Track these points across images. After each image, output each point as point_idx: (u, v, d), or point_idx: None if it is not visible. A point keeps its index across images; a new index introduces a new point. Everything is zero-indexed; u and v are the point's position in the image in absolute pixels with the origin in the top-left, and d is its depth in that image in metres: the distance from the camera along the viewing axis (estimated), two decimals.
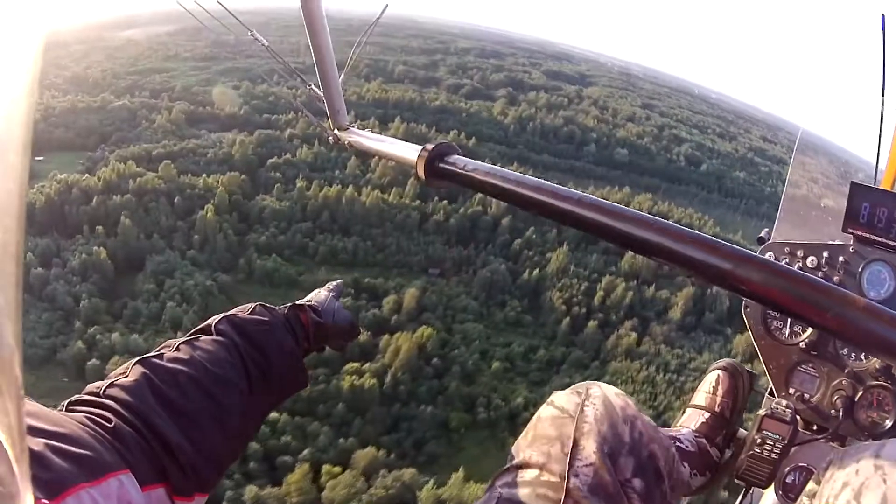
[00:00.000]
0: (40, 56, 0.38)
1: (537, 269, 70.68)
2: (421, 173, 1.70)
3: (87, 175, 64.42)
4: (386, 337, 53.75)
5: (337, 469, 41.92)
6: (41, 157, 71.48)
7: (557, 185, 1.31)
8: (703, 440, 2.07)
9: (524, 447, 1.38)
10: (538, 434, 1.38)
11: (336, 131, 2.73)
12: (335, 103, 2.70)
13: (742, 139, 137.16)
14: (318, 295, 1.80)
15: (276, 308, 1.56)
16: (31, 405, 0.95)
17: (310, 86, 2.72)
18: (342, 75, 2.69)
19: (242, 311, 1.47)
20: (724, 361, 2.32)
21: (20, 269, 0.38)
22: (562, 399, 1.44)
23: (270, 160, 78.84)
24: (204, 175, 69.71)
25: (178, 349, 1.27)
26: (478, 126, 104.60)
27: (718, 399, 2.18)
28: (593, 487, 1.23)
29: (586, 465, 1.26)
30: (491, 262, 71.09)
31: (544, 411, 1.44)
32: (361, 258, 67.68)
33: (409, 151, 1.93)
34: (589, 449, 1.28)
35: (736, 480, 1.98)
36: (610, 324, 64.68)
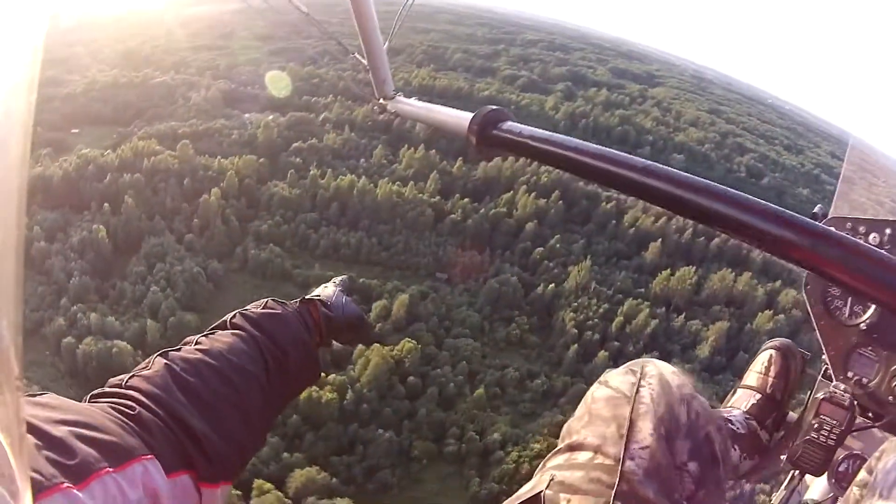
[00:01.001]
0: (40, 55, 0.38)
1: (553, 284, 64.18)
2: (473, 140, 1.55)
3: (108, 151, 65.84)
4: (360, 347, 50.26)
5: (268, 486, 39.40)
6: (76, 130, 74.43)
7: (621, 153, 1.23)
8: (754, 422, 2.02)
9: (578, 428, 1.32)
10: (593, 415, 1.31)
11: (381, 100, 2.77)
12: (380, 72, 2.74)
13: (810, 153, 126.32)
14: (326, 290, 1.82)
15: (287, 303, 1.60)
16: (52, 398, 0.98)
17: (354, 54, 2.79)
18: (387, 44, 2.75)
19: (255, 306, 1.51)
20: (777, 341, 2.23)
21: (20, 267, 0.37)
22: (616, 379, 1.37)
23: (295, 144, 77.24)
24: (219, 157, 69.18)
25: (197, 343, 1.32)
26: (525, 119, 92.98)
27: (770, 380, 2.13)
28: (649, 471, 1.18)
29: (642, 448, 1.20)
30: (505, 271, 65.42)
31: (598, 391, 1.36)
32: (364, 255, 64.47)
33: (459, 118, 1.80)
34: (645, 431, 1.23)
35: (788, 466, 1.91)
36: (625, 355, 56.97)
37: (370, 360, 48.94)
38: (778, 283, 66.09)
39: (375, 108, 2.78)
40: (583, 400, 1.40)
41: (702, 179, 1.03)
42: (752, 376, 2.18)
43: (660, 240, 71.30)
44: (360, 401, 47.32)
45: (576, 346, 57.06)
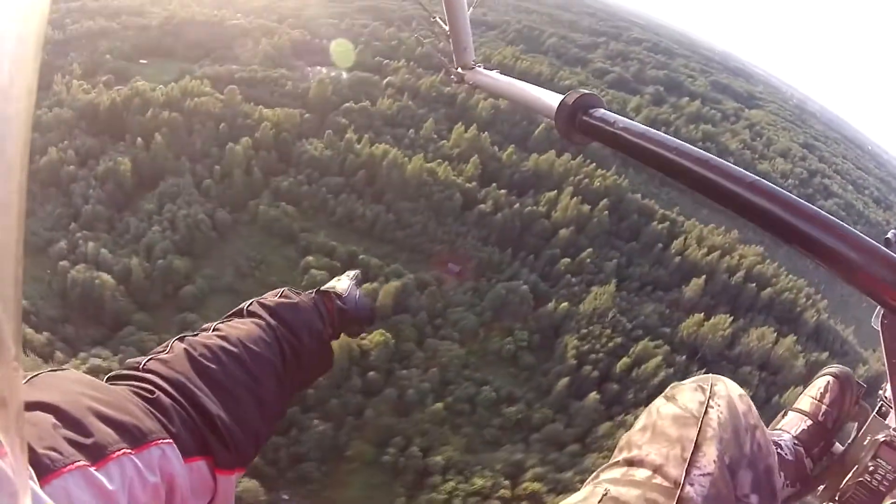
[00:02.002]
0: (39, 56, 0.38)
1: (568, 302, 56.95)
2: (560, 125, 1.57)
3: (159, 87, 67.33)
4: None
5: None
6: (144, 62, 77.18)
7: (729, 164, 1.20)
8: (802, 449, 1.96)
9: (640, 443, 1.27)
10: (657, 431, 1.27)
11: (460, 69, 2.66)
12: (461, 40, 2.62)
13: None
14: (340, 283, 1.91)
15: (303, 293, 1.68)
16: (73, 373, 0.99)
17: (435, 17, 2.68)
18: (470, 10, 2.63)
19: (272, 295, 1.56)
20: (836, 367, 2.16)
21: (20, 268, 0.38)
22: (685, 396, 1.32)
23: (346, 105, 74.57)
24: (261, 107, 68.28)
25: (216, 329, 1.34)
26: None
27: (823, 407, 2.05)
28: (708, 499, 1.13)
29: (704, 475, 1.15)
30: (520, 277, 59.13)
31: (665, 407, 1.32)
32: (378, 231, 61.02)
33: (546, 98, 1.75)
34: (710, 456, 1.18)
35: (836, 501, 1.83)
36: (621, 403, 49.53)
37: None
38: (826, 354, 54.02)
39: (453, 77, 2.68)
40: (646, 411, 1.35)
41: (807, 204, 0.97)
42: (806, 401, 2.08)
43: (704, 276, 60.80)
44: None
45: (568, 379, 50.23)
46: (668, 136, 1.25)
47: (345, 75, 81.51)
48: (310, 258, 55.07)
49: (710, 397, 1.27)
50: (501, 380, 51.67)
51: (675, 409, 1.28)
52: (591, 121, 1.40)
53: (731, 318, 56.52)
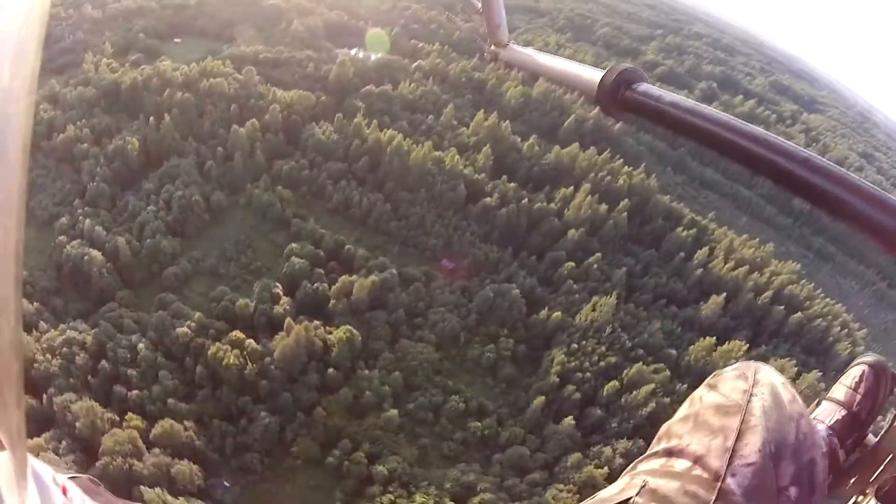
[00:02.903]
0: (39, 56, 0.39)
1: (564, 311, 51.61)
2: (601, 99, 1.53)
3: (183, 66, 68.38)
4: (288, 321, 45.75)
5: (136, 422, 38.58)
6: (178, 40, 78.98)
7: (779, 138, 1.18)
8: (835, 439, 1.94)
9: (680, 433, 1.25)
10: (699, 421, 1.25)
11: (493, 47, 2.66)
12: (495, 16, 2.60)
13: None
14: None
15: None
16: (90, 482, 0.96)
17: None
18: None
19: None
20: (871, 356, 2.11)
21: (20, 268, 0.38)
22: (727, 385, 1.30)
23: (366, 88, 72.14)
24: (274, 89, 67.42)
25: None
26: None
27: (858, 398, 2.01)
28: (749, 491, 1.11)
29: (746, 465, 1.14)
30: (516, 279, 54.39)
31: (707, 396, 1.30)
32: (373, 220, 58.47)
33: (586, 73, 1.71)
34: (753, 446, 1.16)
35: (868, 494, 1.82)
36: (602, 431, 44.14)
37: (287, 341, 44.35)
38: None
39: (486, 55, 2.67)
40: (688, 400, 1.32)
41: (867, 184, 0.96)
42: (840, 390, 2.04)
43: (725, 294, 52.85)
44: (263, 375, 43.53)
45: (545, 398, 45.32)
46: (717, 111, 1.22)
47: (373, 57, 79.10)
48: (294, 245, 53.70)
49: (753, 385, 1.24)
50: (475, 390, 47.79)
51: (717, 397, 1.25)
52: (634, 95, 1.37)
53: (748, 344, 48.83)
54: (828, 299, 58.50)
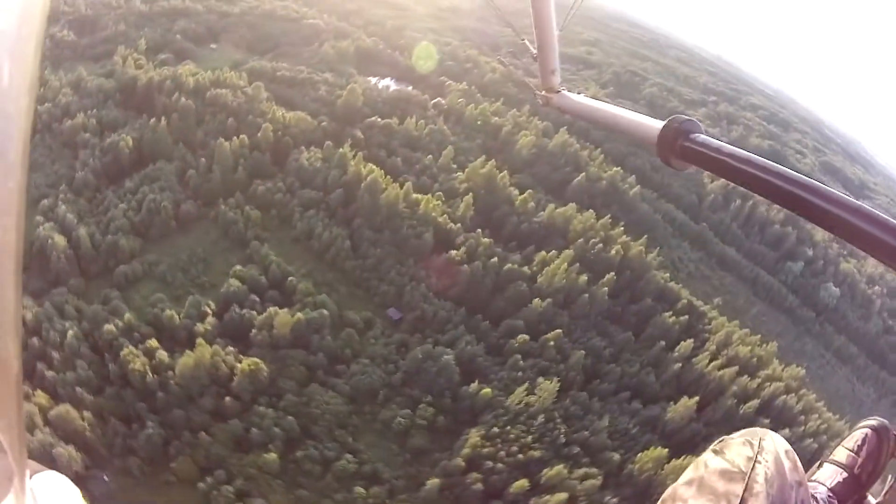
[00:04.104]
0: (39, 56, 0.45)
1: (493, 389, 52.73)
2: (660, 150, 1.77)
3: (201, 73, 78.25)
4: (200, 340, 50.79)
5: (42, 399, 44.90)
6: (214, 46, 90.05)
7: (836, 191, 1.32)
8: (836, 502, 2.16)
9: (685, 496, 1.43)
10: (704, 485, 1.42)
11: (545, 92, 2.92)
12: (549, 62, 2.87)
13: None
14: None
15: None
16: None
17: (523, 39, 2.89)
18: (558, 33, 2.83)
19: None
20: (875, 420, 2.37)
21: (20, 268, 0.45)
22: (733, 450, 1.48)
23: (370, 119, 78.41)
24: (274, 107, 75.20)
25: None
26: (670, 178, 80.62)
27: (860, 461, 2.23)
28: None
29: None
30: (458, 344, 56.27)
31: (712, 460, 1.48)
32: (330, 255, 62.69)
33: (643, 122, 1.98)
34: None
35: None
36: None
37: (187, 359, 49.31)
38: None
39: (538, 100, 2.90)
40: (694, 464, 1.49)
41: None
42: (842, 453, 2.23)
43: (699, 398, 51.93)
44: (163, 387, 48.37)
45: (439, 481, 46.44)
46: (774, 164, 1.36)
47: (392, 88, 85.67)
48: (238, 268, 59.31)
49: (758, 453, 1.40)
50: (375, 454, 49.63)
51: (722, 463, 1.41)
52: (693, 146, 1.53)
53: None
54: (830, 414, 55.25)
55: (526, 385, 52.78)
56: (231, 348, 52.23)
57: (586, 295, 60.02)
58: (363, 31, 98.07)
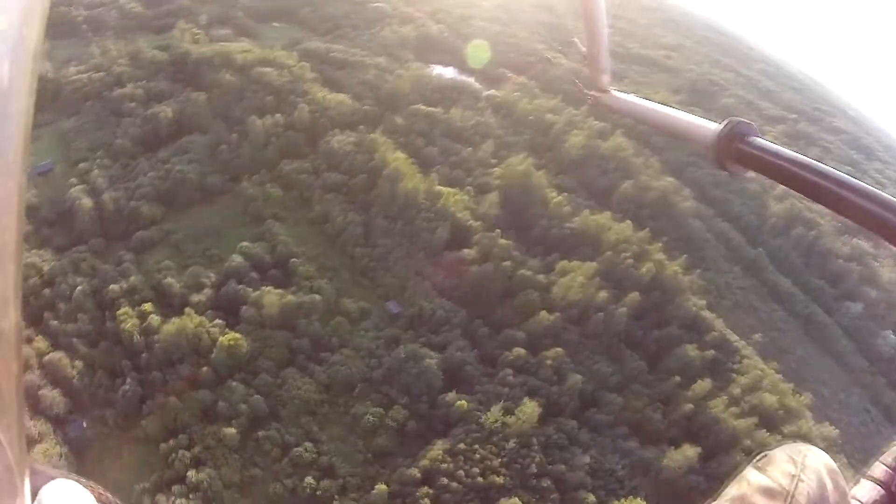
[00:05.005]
0: (39, 56, 0.50)
1: (476, 402, 54.25)
2: (715, 152, 1.86)
3: (250, 50, 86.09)
4: (187, 310, 56.77)
5: (40, 344, 53.31)
6: (277, 24, 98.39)
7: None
8: None
9: None
10: (746, 502, 1.55)
11: (594, 92, 3.23)
12: (599, 61, 3.15)
13: None
14: None
15: None
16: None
17: (574, 39, 3.21)
18: (607, 32, 3.13)
19: None
20: None
21: (20, 268, 0.50)
22: (776, 467, 1.62)
23: (414, 106, 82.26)
24: (326, 90, 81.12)
25: None
26: (731, 195, 77.60)
27: None
28: None
29: None
30: (451, 347, 58.23)
31: (755, 476, 1.62)
32: (341, 241, 66.67)
33: (698, 124, 2.14)
34: None
35: None
36: None
37: (170, 325, 55.30)
38: None
39: (588, 100, 3.14)
40: (737, 479, 1.66)
41: None
42: (879, 468, 2.31)
43: (702, 448, 50.95)
44: (148, 349, 54.57)
45: (387, 487, 48.54)
46: (841, 172, 1.47)
47: (446, 76, 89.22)
48: (245, 244, 65.11)
49: (801, 470, 1.53)
50: (336, 448, 52.45)
51: (765, 480, 1.54)
52: (749, 149, 1.64)
53: None
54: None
55: (503, 403, 53.44)
56: (219, 321, 57.52)
57: (602, 313, 59.66)
58: (429, 18, 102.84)
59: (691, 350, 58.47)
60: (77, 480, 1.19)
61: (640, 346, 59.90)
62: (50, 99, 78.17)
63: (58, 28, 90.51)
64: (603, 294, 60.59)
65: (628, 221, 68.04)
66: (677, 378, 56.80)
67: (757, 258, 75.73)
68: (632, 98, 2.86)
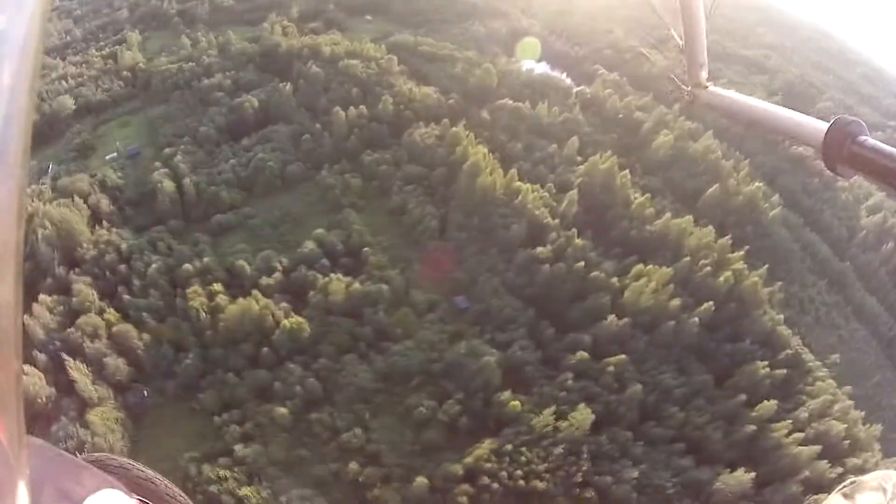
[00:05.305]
0: (39, 56, 0.52)
1: (531, 405, 53.47)
2: (825, 154, 1.82)
3: (339, 42, 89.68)
4: (255, 292, 59.77)
5: (111, 316, 57.74)
6: (369, 18, 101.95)
7: None
8: None
9: None
10: None
11: (692, 87, 3.18)
12: (697, 57, 3.12)
13: None
14: None
15: None
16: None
17: (670, 30, 3.18)
18: (706, 26, 3.03)
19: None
20: None
21: (21, 268, 0.49)
22: (865, 496, 1.58)
23: (501, 102, 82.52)
24: (402, 80, 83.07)
25: None
26: (822, 204, 73.10)
27: None
28: None
29: None
30: (513, 346, 57.77)
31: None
32: (416, 233, 67.45)
33: (805, 122, 2.18)
34: None
35: None
36: None
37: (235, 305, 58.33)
38: None
39: (685, 96, 3.13)
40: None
41: None
42: None
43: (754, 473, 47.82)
44: (213, 327, 57.96)
45: (429, 482, 48.75)
46: None
47: (537, 71, 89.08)
48: (320, 231, 67.54)
49: (890, 499, 1.48)
50: (384, 436, 53.28)
51: None
52: (862, 150, 1.59)
53: None
54: None
55: (555, 407, 52.63)
56: (285, 304, 60.26)
57: (673, 322, 57.31)
58: (522, 13, 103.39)
59: (762, 367, 55.18)
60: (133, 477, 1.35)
61: (711, 360, 57.16)
62: (141, 88, 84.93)
63: (150, 21, 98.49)
64: (675, 302, 58.25)
65: (710, 227, 65.11)
66: (743, 396, 53.78)
67: (844, 272, 71.23)
68: (732, 94, 2.87)
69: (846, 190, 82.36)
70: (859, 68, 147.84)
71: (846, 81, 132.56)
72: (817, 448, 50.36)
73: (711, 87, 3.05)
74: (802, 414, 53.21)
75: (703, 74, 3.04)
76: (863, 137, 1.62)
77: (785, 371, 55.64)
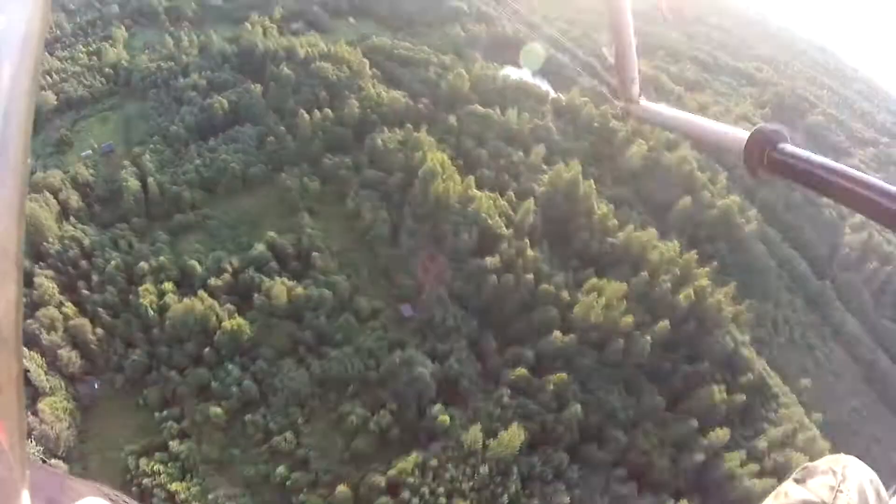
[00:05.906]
0: (39, 56, 0.55)
1: (465, 419, 54.85)
2: (747, 160, 2.00)
3: (316, 45, 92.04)
4: (200, 292, 61.99)
5: (69, 310, 60.53)
6: (353, 20, 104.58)
7: None
8: None
9: None
10: None
11: (624, 102, 3.46)
12: (628, 70, 3.37)
13: None
14: None
15: None
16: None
17: (602, 48, 3.35)
18: (635, 42, 3.34)
19: None
20: None
21: (20, 268, 0.52)
22: (816, 480, 1.74)
23: (471, 107, 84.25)
24: (382, 87, 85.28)
25: None
26: (803, 220, 72.95)
27: None
28: None
29: None
30: (452, 356, 59.27)
31: (794, 490, 1.74)
32: (367, 238, 69.63)
33: (729, 132, 2.30)
34: None
35: None
36: None
37: (180, 305, 60.66)
38: None
39: (619, 110, 3.40)
40: (774, 493, 1.78)
41: None
42: None
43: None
44: (159, 325, 60.43)
45: (352, 492, 50.46)
46: (871, 177, 1.57)
47: (512, 77, 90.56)
48: (271, 234, 69.72)
49: (840, 482, 1.62)
50: (317, 442, 55.24)
51: (805, 493, 1.64)
52: (781, 156, 1.75)
53: None
54: None
55: (481, 425, 53.78)
56: (230, 306, 62.59)
57: (622, 340, 58.33)
58: (506, 19, 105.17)
59: (718, 392, 55.71)
60: (107, 495, 1.34)
61: (664, 381, 57.99)
62: (122, 85, 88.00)
63: (139, 17, 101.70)
64: (628, 319, 59.18)
65: (676, 241, 65.94)
66: (695, 422, 54.44)
67: (823, 291, 71.21)
68: (662, 108, 3.04)
69: (830, 206, 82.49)
70: (856, 84, 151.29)
71: (841, 96, 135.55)
72: (773, 481, 50.83)
73: (643, 102, 3.27)
74: (761, 443, 53.70)
75: (635, 89, 3.25)
76: (782, 145, 1.79)
77: (744, 396, 56.24)
